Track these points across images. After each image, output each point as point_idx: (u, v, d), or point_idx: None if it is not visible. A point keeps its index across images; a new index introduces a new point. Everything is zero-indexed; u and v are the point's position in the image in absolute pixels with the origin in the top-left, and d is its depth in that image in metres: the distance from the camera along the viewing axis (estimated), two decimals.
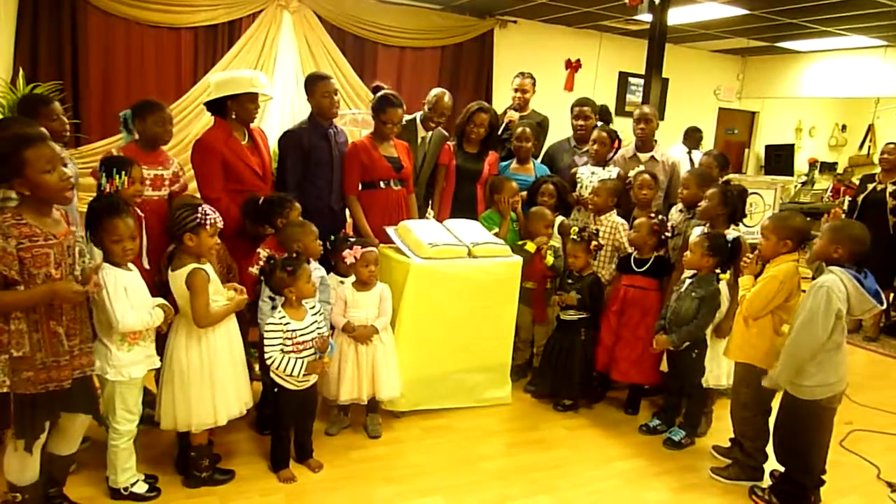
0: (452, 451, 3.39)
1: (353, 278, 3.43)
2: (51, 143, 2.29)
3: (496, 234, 4.01)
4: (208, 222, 2.73)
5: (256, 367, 3.57)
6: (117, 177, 2.90)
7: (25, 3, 6.10)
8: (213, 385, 2.79)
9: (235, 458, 3.13)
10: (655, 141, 4.58)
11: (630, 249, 3.92)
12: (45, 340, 2.29)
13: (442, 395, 3.73)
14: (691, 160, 6.46)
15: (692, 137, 7.60)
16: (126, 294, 2.59)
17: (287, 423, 3.06)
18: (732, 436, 3.38)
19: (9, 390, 2.23)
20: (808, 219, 7.39)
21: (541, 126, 5.04)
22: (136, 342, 2.66)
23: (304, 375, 2.93)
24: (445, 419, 3.69)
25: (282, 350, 2.89)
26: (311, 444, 3.17)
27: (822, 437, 2.94)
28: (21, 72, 5.17)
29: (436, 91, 4.50)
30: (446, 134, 4.63)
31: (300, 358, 2.91)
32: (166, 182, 3.34)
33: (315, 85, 3.89)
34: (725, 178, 3.80)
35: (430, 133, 4.52)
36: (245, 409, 2.94)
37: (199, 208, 2.74)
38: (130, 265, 2.69)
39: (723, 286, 3.48)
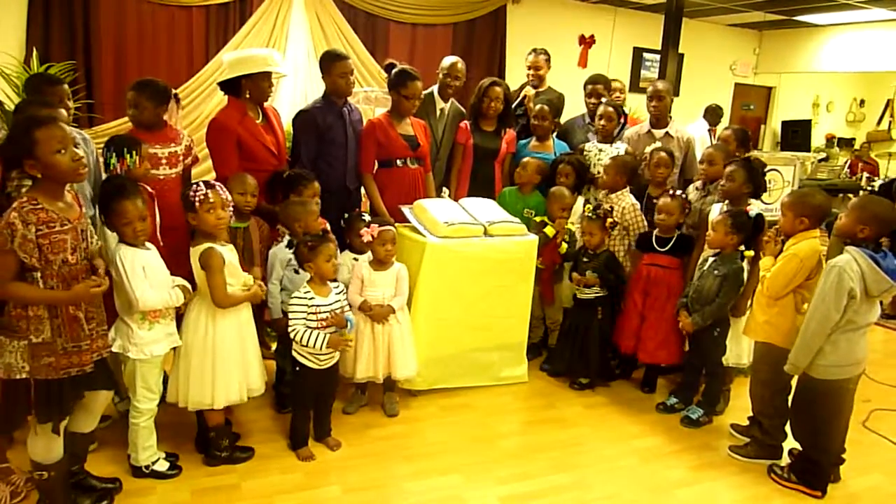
0: (470, 429, 3.40)
1: (368, 255, 3.43)
2: (62, 124, 2.27)
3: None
4: (197, 199, 2.70)
5: (273, 345, 3.59)
6: (128, 156, 2.89)
7: None
8: (214, 367, 2.78)
9: (255, 436, 3.15)
10: (670, 117, 4.51)
11: (643, 228, 3.88)
12: (66, 325, 2.29)
13: (459, 373, 3.74)
14: (712, 137, 6.41)
15: (714, 114, 7.61)
16: (144, 273, 2.60)
17: (307, 401, 3.08)
18: (751, 414, 3.37)
19: (28, 376, 2.24)
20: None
21: (558, 101, 4.98)
22: (156, 320, 2.67)
23: (325, 350, 2.93)
24: (462, 398, 3.69)
25: (305, 324, 2.89)
26: (329, 422, 3.18)
27: (839, 417, 2.93)
28: (35, 52, 5.14)
29: (448, 58, 4.49)
30: (463, 110, 4.60)
31: (326, 332, 2.92)
32: (181, 158, 3.34)
33: (332, 64, 3.84)
34: (746, 154, 3.73)
35: (448, 104, 4.49)
36: (247, 397, 2.90)
37: (193, 186, 2.72)
38: (148, 244, 2.70)
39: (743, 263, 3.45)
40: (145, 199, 2.70)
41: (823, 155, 10.82)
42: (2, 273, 2.15)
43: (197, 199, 2.70)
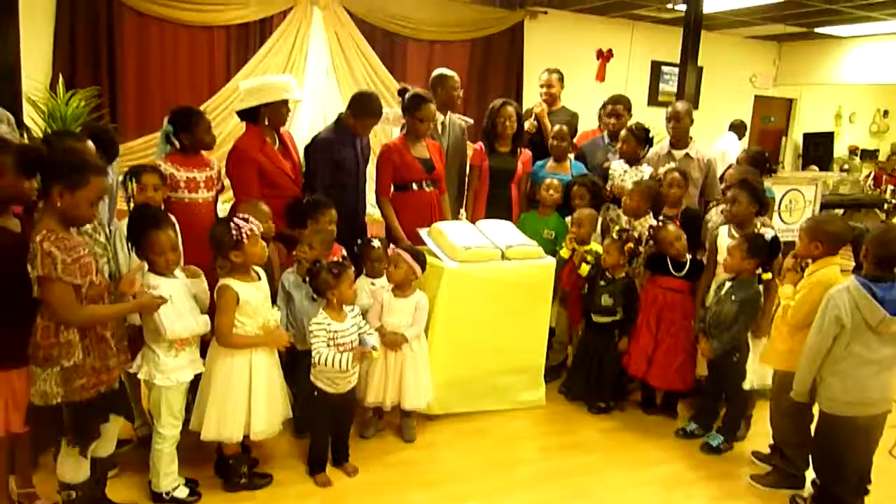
0: (487, 455, 3.39)
1: (384, 280, 3.45)
2: (107, 181, 2.37)
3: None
4: (244, 235, 2.76)
5: None
6: (129, 183, 2.95)
7: (63, 9, 6.22)
8: (226, 401, 2.80)
9: (273, 462, 3.17)
10: (691, 138, 4.49)
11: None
12: (94, 345, 2.36)
13: (476, 397, 3.73)
14: None
15: (741, 127, 7.78)
16: (171, 302, 2.63)
17: (325, 427, 3.10)
18: (772, 441, 3.33)
19: (62, 401, 2.30)
20: (848, 221, 7.27)
21: (571, 122, 4.97)
22: (182, 348, 2.71)
23: (351, 368, 2.95)
24: (479, 422, 3.69)
25: (325, 372, 2.92)
26: (347, 447, 3.19)
27: (859, 453, 2.87)
28: (61, 78, 5.26)
29: (442, 71, 4.55)
30: (463, 123, 4.63)
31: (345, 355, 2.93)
32: (215, 182, 3.45)
33: (364, 115, 3.85)
34: (741, 176, 3.69)
35: (447, 117, 4.50)
36: (254, 437, 2.89)
37: (232, 224, 2.76)
38: (176, 272, 2.74)
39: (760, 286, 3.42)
40: (176, 230, 2.76)
41: (846, 166, 10.69)
42: (67, 300, 2.24)
43: (244, 234, 2.74)
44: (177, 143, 3.35)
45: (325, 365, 2.91)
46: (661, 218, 3.81)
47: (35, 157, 2.29)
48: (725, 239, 3.55)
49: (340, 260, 3.05)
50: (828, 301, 2.74)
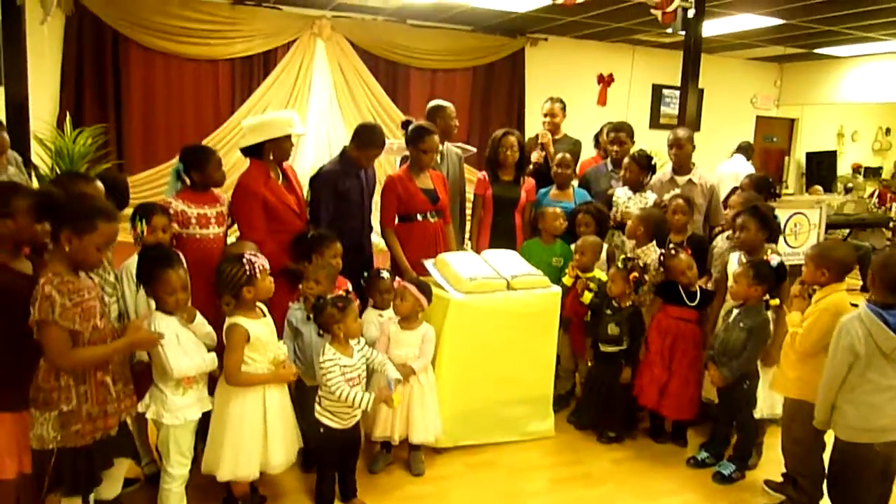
0: (497, 487, 3.36)
1: (392, 311, 3.45)
2: (116, 226, 2.38)
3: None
4: (257, 271, 2.78)
5: None
6: (139, 223, 2.97)
7: (69, 46, 6.32)
8: (240, 441, 2.79)
9: (281, 499, 3.15)
10: (693, 163, 4.51)
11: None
12: (93, 391, 2.36)
13: (484, 429, 3.71)
14: None
15: (748, 149, 7.81)
16: (178, 341, 2.65)
17: (332, 462, 3.07)
18: (784, 470, 3.29)
19: (59, 445, 2.29)
20: (853, 240, 7.25)
21: (575, 149, 5.00)
22: (189, 386, 2.71)
23: (370, 406, 2.93)
24: (489, 454, 3.66)
25: (330, 407, 2.91)
26: (355, 482, 3.17)
27: (876, 481, 2.83)
28: (68, 116, 5.33)
29: (438, 102, 4.61)
30: (459, 151, 4.67)
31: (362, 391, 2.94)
32: (225, 217, 3.49)
33: (368, 146, 3.91)
34: (753, 202, 3.69)
35: (445, 146, 4.54)
36: (272, 471, 2.89)
37: (244, 260, 2.77)
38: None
39: (770, 313, 3.41)
40: (186, 268, 2.77)
41: (849, 185, 10.68)
42: (58, 345, 2.24)
43: (257, 269, 2.77)
44: (187, 181, 3.39)
45: (351, 404, 2.88)
46: (671, 246, 3.80)
47: (51, 202, 2.32)
48: (736, 266, 3.53)
49: (344, 293, 3.06)
50: (840, 330, 2.72)
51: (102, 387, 2.39)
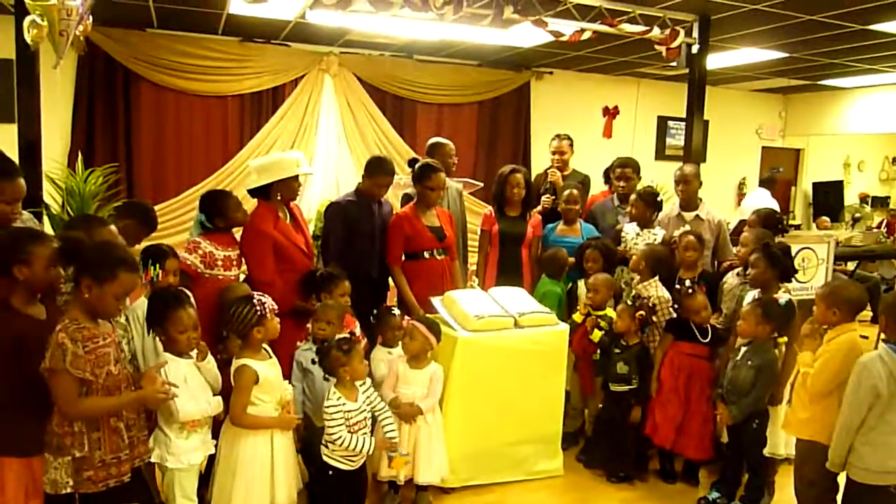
0: None
1: (400, 349, 3.44)
2: (137, 277, 2.44)
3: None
4: (267, 310, 2.81)
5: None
6: (152, 269, 2.99)
7: (81, 85, 6.42)
8: (252, 481, 2.78)
9: None
10: (700, 199, 4.52)
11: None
12: (106, 438, 2.37)
13: (492, 468, 3.68)
14: None
15: (771, 183, 7.83)
16: (185, 383, 2.65)
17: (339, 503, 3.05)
18: None
19: (72, 490, 2.30)
20: (862, 271, 7.19)
21: (583, 185, 5.04)
22: (194, 430, 2.71)
23: (373, 451, 2.95)
24: (497, 494, 3.62)
25: (348, 430, 2.89)
26: None
27: None
28: (80, 156, 5.40)
29: (437, 139, 4.73)
30: (460, 186, 4.73)
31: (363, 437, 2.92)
32: (242, 262, 3.56)
33: (378, 174, 4.01)
34: (766, 239, 3.70)
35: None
36: None
37: (254, 300, 2.80)
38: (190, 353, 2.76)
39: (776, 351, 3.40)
40: (195, 308, 2.79)
41: (857, 214, 10.65)
42: (67, 393, 2.26)
43: (268, 310, 2.80)
44: (210, 227, 3.48)
45: (349, 449, 2.88)
46: (687, 285, 3.78)
47: (73, 248, 2.35)
48: None
49: (349, 335, 3.05)
50: (861, 371, 2.68)
51: (116, 434, 2.40)
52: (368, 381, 3.10)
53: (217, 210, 3.46)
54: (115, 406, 2.37)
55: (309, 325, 3.42)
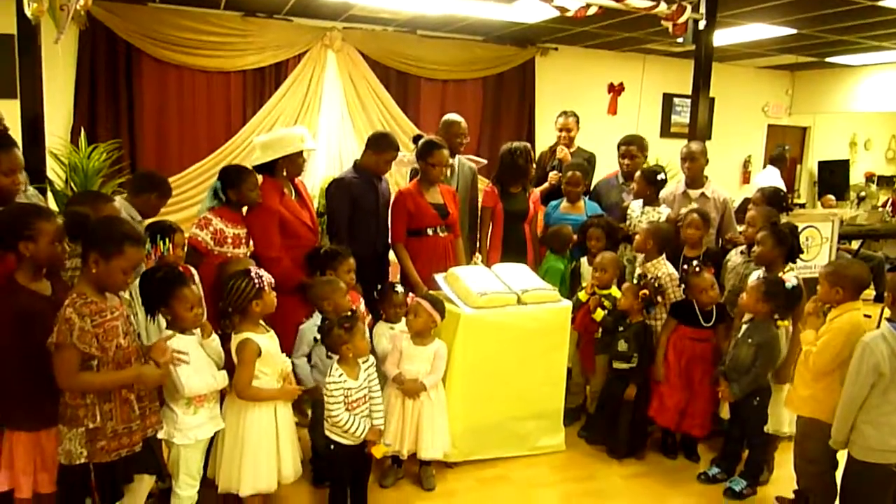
0: (508, 503, 3.36)
1: (403, 325, 3.46)
2: (143, 251, 2.44)
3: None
4: (265, 283, 2.81)
5: (309, 411, 3.60)
6: (161, 243, 2.99)
7: (83, 60, 6.39)
8: (243, 454, 2.80)
9: None
10: (706, 177, 4.50)
11: (680, 296, 3.85)
12: (117, 409, 2.40)
13: (495, 444, 3.71)
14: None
15: (781, 161, 7.89)
16: (190, 359, 2.66)
17: (343, 479, 3.07)
18: (796, 486, 3.27)
19: (86, 460, 2.33)
20: (866, 250, 7.17)
21: (589, 163, 5.02)
22: (201, 405, 2.73)
23: (365, 436, 2.95)
24: (499, 469, 3.66)
25: (346, 407, 2.92)
26: (366, 498, 3.17)
27: (891, 501, 2.82)
28: (83, 131, 5.38)
29: (451, 116, 4.67)
30: (473, 165, 4.67)
31: (355, 415, 2.93)
32: (249, 240, 3.56)
33: (384, 150, 3.99)
34: (773, 217, 3.69)
35: (457, 159, 4.58)
36: (277, 484, 2.90)
37: (252, 274, 2.80)
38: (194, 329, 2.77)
39: (782, 330, 3.40)
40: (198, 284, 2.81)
41: (863, 194, 10.59)
42: (68, 367, 2.27)
43: (265, 283, 2.81)
44: (223, 198, 3.48)
45: (345, 429, 2.90)
46: (695, 263, 3.76)
47: (80, 223, 2.35)
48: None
49: (350, 313, 3.05)
50: (864, 350, 2.68)
51: (127, 404, 2.42)
52: (371, 358, 3.12)
53: (233, 183, 3.47)
54: (113, 381, 2.37)
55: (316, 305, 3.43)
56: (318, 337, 3.08)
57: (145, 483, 2.67)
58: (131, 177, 3.61)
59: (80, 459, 2.33)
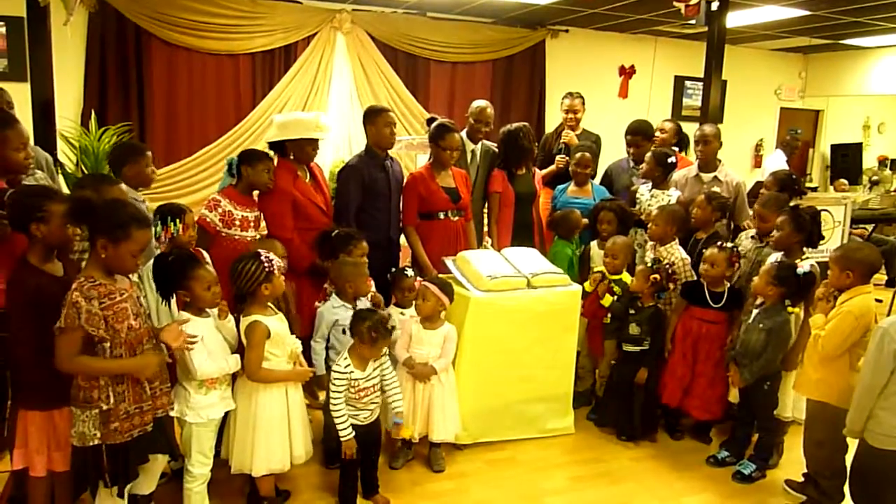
0: (517, 485, 3.39)
1: (413, 311, 3.47)
2: (150, 233, 2.45)
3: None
4: (275, 267, 2.83)
5: (321, 395, 3.64)
6: (172, 224, 3.00)
7: (93, 43, 6.39)
8: (255, 435, 2.83)
9: (304, 494, 3.20)
10: (719, 160, 4.47)
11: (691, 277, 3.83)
12: (129, 390, 2.41)
13: (504, 426, 3.73)
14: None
15: (789, 144, 7.82)
16: (203, 342, 2.68)
17: (354, 459, 3.11)
18: (805, 470, 3.27)
19: (100, 442, 2.36)
20: (878, 234, 7.11)
21: (596, 145, 5.00)
22: (213, 387, 2.76)
23: (367, 415, 2.98)
24: (509, 451, 3.68)
25: (346, 401, 2.94)
26: (377, 479, 3.20)
27: None
28: (93, 114, 5.39)
29: (477, 102, 4.61)
30: (494, 149, 4.66)
31: (362, 404, 2.97)
32: (259, 223, 3.59)
33: (377, 116, 3.97)
34: (794, 202, 3.66)
35: (478, 146, 4.57)
36: (290, 464, 2.93)
37: (261, 257, 2.81)
38: (208, 310, 2.79)
39: (791, 317, 3.38)
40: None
41: (875, 177, 10.49)
42: (68, 349, 2.28)
43: (275, 267, 2.82)
44: (235, 175, 3.50)
45: (336, 421, 2.93)
46: (717, 241, 3.74)
47: (87, 207, 2.36)
48: None
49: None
50: (882, 336, 2.61)
51: (138, 385, 2.44)
52: (385, 349, 3.12)
53: (249, 161, 3.48)
54: (111, 369, 2.36)
55: (326, 285, 3.46)
56: (339, 321, 3.10)
57: (159, 462, 2.71)
58: (109, 160, 3.49)
59: (93, 441, 2.35)
